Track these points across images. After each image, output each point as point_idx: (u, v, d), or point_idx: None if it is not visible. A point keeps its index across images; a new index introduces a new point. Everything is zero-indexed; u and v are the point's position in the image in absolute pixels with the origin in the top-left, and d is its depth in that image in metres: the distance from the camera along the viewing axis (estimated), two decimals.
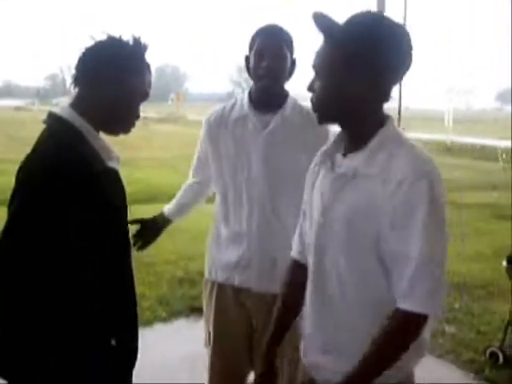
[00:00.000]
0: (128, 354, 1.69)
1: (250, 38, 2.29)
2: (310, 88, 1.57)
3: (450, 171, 14.62)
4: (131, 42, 1.69)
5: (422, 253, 1.43)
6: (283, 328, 1.83)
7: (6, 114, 39.59)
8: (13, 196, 1.58)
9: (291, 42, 2.28)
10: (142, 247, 2.58)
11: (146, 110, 1.81)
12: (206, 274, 2.50)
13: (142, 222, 2.58)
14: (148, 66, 1.73)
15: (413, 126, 35.87)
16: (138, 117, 1.74)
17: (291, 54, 2.27)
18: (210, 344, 2.49)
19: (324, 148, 1.71)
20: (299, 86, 1.92)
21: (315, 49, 1.57)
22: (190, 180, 2.64)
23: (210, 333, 2.49)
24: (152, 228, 2.61)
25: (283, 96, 2.30)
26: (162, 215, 2.63)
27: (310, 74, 1.60)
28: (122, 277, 1.66)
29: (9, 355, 1.53)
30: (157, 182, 11.33)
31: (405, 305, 1.45)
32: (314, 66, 1.56)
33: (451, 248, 5.67)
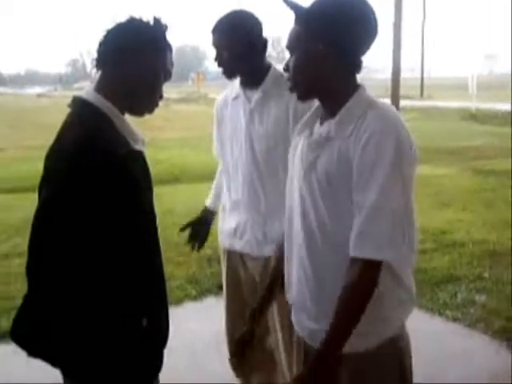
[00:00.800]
0: (159, 333, 1.72)
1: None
2: (286, 67, 1.69)
3: (476, 138, 14.47)
4: (152, 23, 1.69)
5: (373, 203, 1.51)
6: (276, 285, 1.97)
7: (29, 101, 40.01)
8: (42, 182, 1.60)
9: (246, 26, 2.39)
10: (199, 247, 2.82)
11: (167, 91, 1.83)
12: (219, 241, 2.73)
13: (192, 225, 2.79)
14: (169, 46, 1.73)
15: (437, 94, 35.39)
16: (161, 96, 1.75)
17: (254, 37, 2.39)
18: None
19: (304, 118, 1.81)
20: None
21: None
22: (219, 169, 2.80)
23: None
24: (201, 227, 2.80)
25: (264, 71, 2.46)
26: (205, 210, 2.82)
27: None
28: (150, 257, 1.68)
29: (42, 335, 1.56)
30: (180, 163, 11.39)
31: (355, 252, 1.53)
32: (287, 46, 1.67)
33: (478, 216, 5.68)
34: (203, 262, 5.37)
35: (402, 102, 5.28)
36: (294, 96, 2.20)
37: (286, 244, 1.84)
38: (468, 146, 12.90)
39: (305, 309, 1.76)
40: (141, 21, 1.68)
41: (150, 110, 1.76)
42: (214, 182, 2.82)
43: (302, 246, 1.73)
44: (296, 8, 1.63)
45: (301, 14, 1.63)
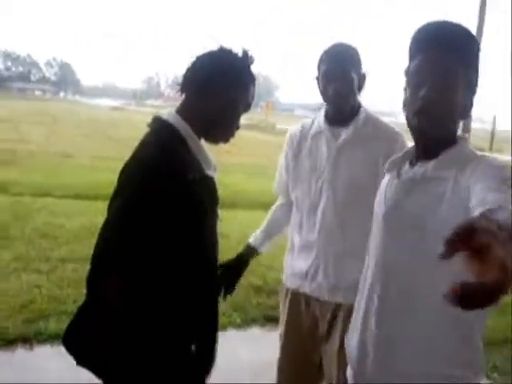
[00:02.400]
0: (205, 361, 1.73)
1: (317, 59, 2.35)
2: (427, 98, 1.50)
3: None
4: (240, 55, 1.73)
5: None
6: None
7: (102, 113, 41.34)
8: (114, 196, 1.64)
9: (357, 60, 2.32)
10: (224, 295, 2.48)
11: None
12: (283, 280, 2.59)
13: (223, 267, 2.49)
14: (254, 80, 1.77)
15: (507, 148, 34.43)
16: (238, 127, 1.78)
17: (358, 71, 2.31)
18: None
19: (392, 158, 1.72)
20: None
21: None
22: (277, 202, 2.69)
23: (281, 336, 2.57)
24: (235, 270, 2.52)
25: (355, 109, 2.36)
26: (248, 248, 2.61)
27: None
28: (208, 284, 1.69)
29: (94, 346, 1.58)
30: (242, 189, 11.46)
31: None
32: (421, 77, 1.52)
33: None
34: (251, 290, 5.36)
35: None
36: (386, 139, 2.18)
37: (359, 290, 1.72)
38: None
39: (365, 368, 1.63)
40: (230, 52, 1.72)
41: (226, 140, 1.79)
42: (268, 218, 2.67)
43: (374, 299, 1.60)
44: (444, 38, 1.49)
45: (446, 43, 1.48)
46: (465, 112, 1.54)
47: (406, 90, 1.57)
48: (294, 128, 2.56)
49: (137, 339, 1.55)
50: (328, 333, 2.34)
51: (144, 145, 1.67)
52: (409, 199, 1.54)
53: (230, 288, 2.50)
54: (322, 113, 2.43)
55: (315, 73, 2.37)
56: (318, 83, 2.35)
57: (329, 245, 2.34)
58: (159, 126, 1.69)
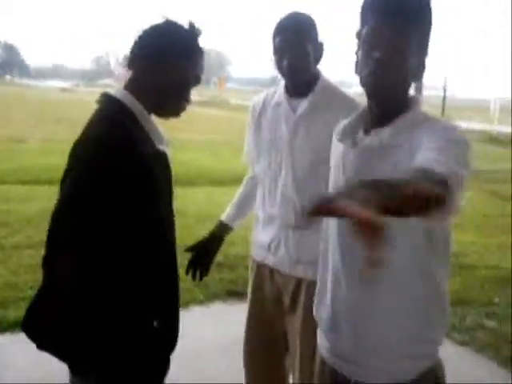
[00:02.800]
0: (169, 336, 1.72)
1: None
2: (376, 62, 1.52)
3: (495, 162, 14.35)
4: (187, 27, 1.70)
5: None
6: None
7: (52, 94, 40.47)
8: (64, 176, 1.61)
9: (312, 30, 2.26)
10: (201, 277, 2.51)
11: None
12: (251, 253, 2.56)
13: (197, 248, 2.52)
14: (201, 52, 1.74)
15: (457, 115, 35.22)
16: (188, 101, 1.75)
17: (314, 40, 2.26)
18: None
19: (343, 125, 1.71)
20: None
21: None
22: (247, 175, 2.64)
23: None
24: (208, 252, 2.54)
25: (313, 80, 2.31)
26: (220, 225, 2.58)
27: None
28: (165, 259, 1.68)
29: (53, 329, 1.56)
30: (197, 165, 11.41)
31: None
32: (373, 42, 1.53)
33: (493, 240, 5.62)
34: (213, 266, 5.35)
35: None
36: (344, 108, 2.11)
37: (320, 262, 1.74)
38: (487, 169, 12.79)
39: (338, 331, 1.65)
40: (176, 25, 1.69)
41: (176, 114, 1.76)
42: (238, 192, 2.62)
43: (339, 265, 1.62)
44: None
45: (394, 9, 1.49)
46: (417, 74, 1.56)
47: (357, 53, 1.58)
48: (256, 98, 2.50)
49: (95, 318, 1.54)
50: (291, 306, 2.34)
51: (93, 122, 1.64)
52: (368, 169, 1.55)
53: (205, 267, 2.51)
54: (282, 83, 2.38)
55: (270, 46, 2.30)
56: (274, 56, 2.29)
57: (289, 218, 2.31)
58: (107, 103, 1.66)
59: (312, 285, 1.91)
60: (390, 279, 1.45)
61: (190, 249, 2.50)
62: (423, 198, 1.12)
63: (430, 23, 1.56)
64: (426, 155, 1.33)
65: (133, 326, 1.59)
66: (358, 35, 1.58)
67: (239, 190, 2.63)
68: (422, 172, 1.20)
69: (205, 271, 2.52)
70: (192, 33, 1.70)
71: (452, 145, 1.37)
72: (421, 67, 1.56)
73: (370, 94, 1.56)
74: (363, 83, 1.55)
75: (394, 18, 1.49)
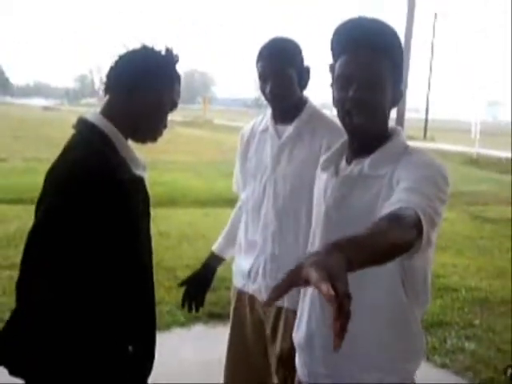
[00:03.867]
0: (144, 361, 1.71)
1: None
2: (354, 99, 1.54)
3: (475, 184, 14.51)
4: (163, 53, 1.71)
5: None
6: None
7: (34, 113, 40.24)
8: (40, 199, 1.61)
9: (297, 55, 2.25)
10: (197, 309, 2.51)
11: (172, 113, 1.84)
12: (233, 279, 2.54)
13: (191, 281, 2.51)
14: (178, 77, 1.75)
15: (439, 137, 35.54)
16: (165, 126, 1.76)
17: (299, 66, 2.24)
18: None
19: (326, 155, 1.74)
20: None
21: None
22: (238, 204, 2.61)
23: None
24: (201, 283, 2.52)
25: (300, 106, 2.30)
26: (211, 257, 2.55)
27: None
28: (141, 284, 1.68)
29: (26, 354, 1.54)
30: (179, 187, 11.39)
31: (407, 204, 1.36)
32: (347, 76, 1.55)
33: (473, 262, 5.66)
34: None
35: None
36: (328, 134, 2.13)
37: (302, 289, 1.74)
38: (467, 191, 12.93)
39: (312, 353, 1.67)
40: (153, 50, 1.70)
41: (153, 139, 1.77)
42: (229, 222, 2.58)
43: (315, 290, 1.65)
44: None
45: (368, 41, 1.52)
46: (394, 103, 1.59)
47: (332, 87, 1.60)
48: (246, 126, 2.50)
49: (70, 344, 1.53)
50: (272, 334, 2.31)
51: (69, 147, 1.64)
52: (347, 198, 1.58)
53: (200, 300, 2.49)
54: (269, 109, 2.38)
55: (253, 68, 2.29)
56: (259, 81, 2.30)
57: (268, 245, 2.30)
58: (83, 128, 1.66)
59: (291, 314, 1.90)
60: (363, 306, 1.47)
61: (183, 283, 2.49)
62: (398, 248, 1.21)
63: (401, 54, 1.58)
64: (401, 196, 1.36)
65: (107, 352, 1.58)
66: (331, 68, 1.60)
67: (230, 219, 2.60)
68: (395, 220, 1.25)
69: (200, 303, 2.50)
70: (169, 58, 1.72)
71: (429, 182, 1.41)
72: (397, 95, 1.59)
73: (349, 131, 1.60)
74: (341, 122, 1.59)
75: (366, 52, 1.51)
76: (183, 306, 2.48)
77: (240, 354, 2.47)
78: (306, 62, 2.28)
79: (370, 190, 1.53)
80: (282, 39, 2.29)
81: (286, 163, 2.27)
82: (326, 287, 0.95)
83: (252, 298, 2.40)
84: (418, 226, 1.26)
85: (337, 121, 2.28)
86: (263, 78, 2.22)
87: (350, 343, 1.54)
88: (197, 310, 2.51)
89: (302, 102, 2.30)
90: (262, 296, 2.31)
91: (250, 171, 2.39)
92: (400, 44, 1.59)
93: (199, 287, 2.51)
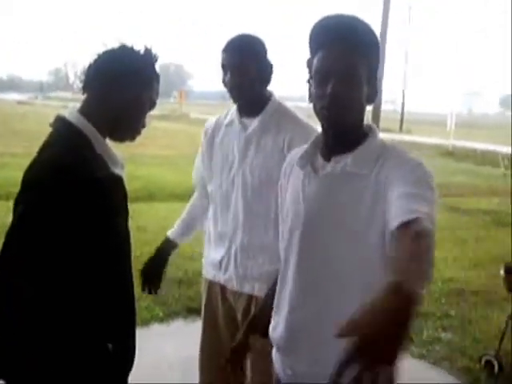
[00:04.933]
0: (125, 358, 1.70)
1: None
2: (332, 94, 1.54)
3: (451, 176, 14.67)
4: (142, 52, 1.70)
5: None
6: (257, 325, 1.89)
7: (8, 107, 39.67)
8: (18, 197, 1.60)
9: (259, 51, 2.32)
10: (155, 291, 2.60)
11: None
12: (203, 271, 2.62)
13: (146, 263, 2.58)
14: (157, 77, 1.75)
15: (415, 129, 35.88)
16: (144, 126, 1.76)
17: (261, 61, 2.31)
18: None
19: (299, 151, 1.72)
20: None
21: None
22: (194, 195, 2.68)
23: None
24: (155, 267, 2.60)
25: (263, 100, 2.36)
26: (166, 241, 2.63)
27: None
28: (120, 282, 1.67)
29: (5, 355, 1.53)
30: (157, 181, 11.35)
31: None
32: (324, 71, 1.55)
33: (449, 253, 5.73)
34: (173, 283, 5.32)
35: (381, 135, 5.35)
36: (292, 129, 2.22)
37: (279, 283, 1.74)
38: (443, 183, 13.08)
39: (294, 350, 1.66)
40: (131, 49, 1.70)
41: (132, 138, 1.77)
42: (187, 211, 2.67)
43: (297, 284, 1.64)
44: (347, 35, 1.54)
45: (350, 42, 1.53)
46: (370, 99, 1.60)
47: (309, 82, 1.61)
48: (209, 122, 2.56)
49: (49, 343, 1.52)
50: (243, 323, 2.30)
51: (47, 146, 1.64)
52: (331, 196, 1.58)
53: (155, 283, 2.57)
54: (236, 105, 2.43)
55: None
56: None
57: (238, 236, 2.37)
58: (61, 127, 1.65)
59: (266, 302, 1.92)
60: (345, 299, 1.49)
61: (142, 270, 2.56)
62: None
63: (377, 51, 1.60)
64: (399, 205, 1.38)
65: (87, 350, 1.58)
66: (309, 63, 1.60)
67: (187, 208, 2.67)
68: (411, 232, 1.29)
69: (156, 286, 2.59)
70: (147, 58, 1.71)
71: (421, 185, 1.43)
72: (373, 92, 1.60)
73: (327, 126, 1.60)
74: (318, 117, 1.59)
75: (343, 49, 1.53)
76: (143, 290, 2.55)
77: (213, 343, 2.51)
78: (268, 59, 2.34)
79: (355, 188, 1.54)
80: (246, 35, 2.37)
81: (253, 155, 2.33)
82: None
83: (223, 288, 2.46)
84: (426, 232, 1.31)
85: (300, 116, 2.36)
86: (224, 69, 2.29)
87: (336, 339, 1.56)
88: (155, 292, 2.60)
89: (266, 97, 2.37)
90: (234, 285, 2.40)
91: (217, 164, 2.44)
92: (377, 42, 1.61)
93: (154, 271, 2.59)
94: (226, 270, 2.41)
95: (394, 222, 1.35)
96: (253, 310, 2.29)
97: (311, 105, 1.61)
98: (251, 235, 2.34)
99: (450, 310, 5.10)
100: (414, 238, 1.28)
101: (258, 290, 2.27)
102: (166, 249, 2.61)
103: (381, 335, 0.98)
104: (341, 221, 1.56)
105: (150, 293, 2.58)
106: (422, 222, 1.31)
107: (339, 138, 1.60)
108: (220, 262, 2.43)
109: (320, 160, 1.64)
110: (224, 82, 2.31)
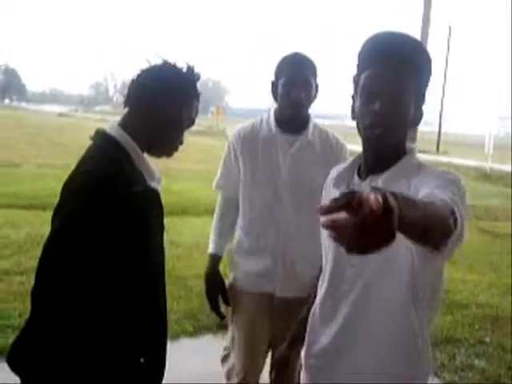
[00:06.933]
0: (155, 372, 1.72)
1: (276, 65, 2.44)
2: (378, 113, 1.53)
3: (488, 199, 14.41)
4: (185, 70, 1.74)
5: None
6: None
7: (49, 119, 40.48)
8: (57, 209, 1.63)
9: (315, 69, 2.44)
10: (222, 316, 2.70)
11: None
12: (231, 280, 2.64)
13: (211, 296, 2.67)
14: (198, 95, 1.78)
15: (452, 151, 35.35)
16: (181, 142, 1.79)
17: (316, 81, 2.44)
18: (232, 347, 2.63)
19: (337, 170, 1.73)
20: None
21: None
22: (222, 204, 2.69)
23: (233, 337, 2.63)
24: (217, 289, 2.65)
25: (306, 118, 2.48)
26: (214, 259, 2.64)
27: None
28: (153, 296, 1.69)
29: (39, 364, 1.55)
30: (191, 195, 11.41)
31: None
32: (372, 90, 1.54)
33: (484, 279, 5.60)
34: (204, 298, 5.32)
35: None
36: (335, 147, 2.37)
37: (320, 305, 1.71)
38: (478, 205, 12.86)
39: (328, 376, 1.64)
40: (174, 67, 1.73)
41: (169, 154, 1.80)
42: (218, 224, 2.67)
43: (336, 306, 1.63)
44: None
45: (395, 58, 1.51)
46: (415, 122, 1.59)
47: (354, 98, 1.60)
48: (242, 127, 2.57)
49: (84, 355, 1.54)
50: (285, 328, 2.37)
51: (86, 159, 1.67)
52: None
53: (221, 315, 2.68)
54: (271, 117, 2.48)
55: (268, 78, 2.44)
56: (275, 88, 2.42)
57: (286, 249, 2.43)
58: (102, 140, 1.69)
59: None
60: (371, 323, 1.50)
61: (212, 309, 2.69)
62: (441, 225, 1.19)
63: (429, 71, 1.58)
64: (431, 192, 1.34)
65: (119, 363, 1.59)
66: (355, 80, 1.59)
67: (223, 219, 2.67)
68: (443, 201, 1.24)
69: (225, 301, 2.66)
70: (190, 76, 1.74)
71: (451, 185, 1.40)
72: (418, 114, 1.59)
73: (370, 145, 1.58)
74: (363, 135, 1.57)
75: (394, 67, 1.50)
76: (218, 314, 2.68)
77: (249, 349, 2.54)
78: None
79: None
80: (303, 54, 2.44)
81: (300, 171, 2.42)
82: (374, 198, 0.89)
83: (271, 298, 2.49)
84: (455, 219, 1.24)
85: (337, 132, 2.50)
86: (289, 85, 2.34)
87: (351, 375, 1.55)
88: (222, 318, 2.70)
89: (307, 116, 2.48)
90: (277, 291, 2.47)
91: (259, 178, 2.47)
92: (429, 61, 1.58)
93: (217, 293, 2.65)
94: (272, 279, 2.46)
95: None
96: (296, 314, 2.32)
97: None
98: (301, 246, 2.41)
99: (484, 336, 4.98)
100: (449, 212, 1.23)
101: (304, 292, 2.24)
102: (217, 262, 2.64)
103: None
104: None
105: (222, 318, 2.69)
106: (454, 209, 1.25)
107: (379, 157, 1.58)
108: (264, 272, 2.47)
109: (356, 179, 1.63)
110: (286, 97, 2.36)
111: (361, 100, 1.55)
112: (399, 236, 1.42)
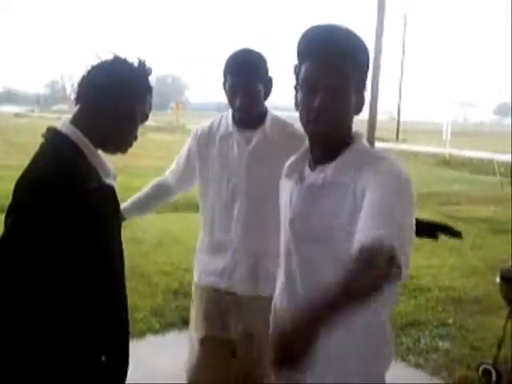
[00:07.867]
0: (118, 370, 1.70)
1: (224, 63, 2.39)
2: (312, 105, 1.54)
3: (448, 185, 14.68)
4: (136, 65, 1.71)
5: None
6: None
7: (5, 120, 39.66)
8: (10, 208, 1.59)
9: (263, 68, 2.39)
10: None
11: None
12: (195, 279, 2.64)
13: None
14: (150, 90, 1.76)
15: (411, 138, 35.94)
16: (135, 138, 1.77)
17: (264, 78, 2.39)
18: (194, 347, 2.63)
19: (289, 162, 1.74)
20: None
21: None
22: (160, 178, 2.74)
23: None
24: None
25: (263, 113, 2.44)
26: None
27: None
28: (113, 294, 1.67)
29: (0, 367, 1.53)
30: None
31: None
32: (311, 82, 1.55)
33: (446, 262, 5.72)
34: (169, 294, 5.31)
35: (377, 144, 5.36)
36: (294, 142, 2.18)
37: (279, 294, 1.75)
38: (439, 192, 13.09)
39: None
40: (124, 62, 1.71)
41: (124, 150, 1.78)
42: (142, 190, 2.72)
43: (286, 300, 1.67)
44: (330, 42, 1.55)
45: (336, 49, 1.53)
46: (358, 109, 1.61)
47: (296, 89, 1.61)
48: (200, 128, 2.57)
49: (42, 355, 1.52)
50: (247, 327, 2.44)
51: (39, 156, 1.64)
52: (313, 207, 1.59)
53: None
54: (229, 115, 2.47)
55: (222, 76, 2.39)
56: (225, 90, 2.40)
57: (247, 242, 2.41)
58: (53, 137, 1.66)
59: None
60: None
61: None
62: (375, 289, 1.30)
63: (366, 59, 1.60)
64: (371, 223, 1.37)
65: (80, 362, 1.57)
66: (296, 70, 1.60)
67: (149, 186, 2.74)
68: (368, 261, 1.28)
69: None
70: (141, 71, 1.72)
71: (397, 195, 1.42)
72: (361, 102, 1.60)
73: (313, 139, 1.61)
74: (305, 129, 1.59)
75: (333, 58, 1.52)
76: None
77: (211, 350, 2.54)
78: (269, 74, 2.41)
79: (335, 198, 1.53)
80: (248, 52, 2.41)
81: (258, 166, 2.38)
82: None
83: (231, 295, 2.47)
84: (392, 259, 1.29)
85: (297, 126, 2.36)
86: (232, 92, 2.34)
87: (323, 349, 1.56)
88: None
89: (264, 110, 2.45)
90: (239, 290, 2.44)
91: (215, 174, 2.46)
92: (365, 49, 1.60)
93: None
94: (232, 276, 2.44)
95: (356, 243, 1.35)
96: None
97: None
98: (263, 241, 2.37)
99: (448, 318, 5.09)
100: (363, 270, 1.29)
101: (268, 291, 2.21)
102: None
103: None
104: (322, 230, 1.56)
105: None
106: (381, 245, 1.30)
107: (324, 149, 1.60)
108: (223, 269, 2.46)
109: (307, 170, 1.65)
110: (232, 103, 2.35)
111: (302, 92, 1.57)
112: (350, 236, 1.42)
